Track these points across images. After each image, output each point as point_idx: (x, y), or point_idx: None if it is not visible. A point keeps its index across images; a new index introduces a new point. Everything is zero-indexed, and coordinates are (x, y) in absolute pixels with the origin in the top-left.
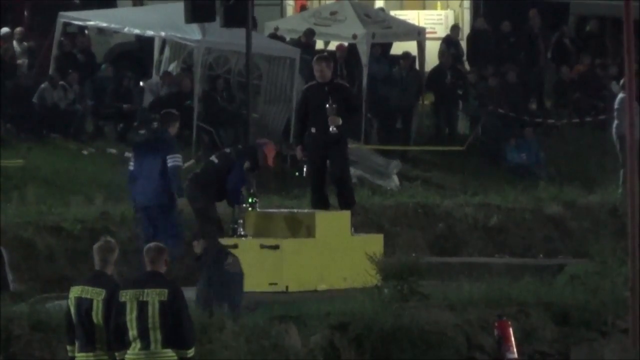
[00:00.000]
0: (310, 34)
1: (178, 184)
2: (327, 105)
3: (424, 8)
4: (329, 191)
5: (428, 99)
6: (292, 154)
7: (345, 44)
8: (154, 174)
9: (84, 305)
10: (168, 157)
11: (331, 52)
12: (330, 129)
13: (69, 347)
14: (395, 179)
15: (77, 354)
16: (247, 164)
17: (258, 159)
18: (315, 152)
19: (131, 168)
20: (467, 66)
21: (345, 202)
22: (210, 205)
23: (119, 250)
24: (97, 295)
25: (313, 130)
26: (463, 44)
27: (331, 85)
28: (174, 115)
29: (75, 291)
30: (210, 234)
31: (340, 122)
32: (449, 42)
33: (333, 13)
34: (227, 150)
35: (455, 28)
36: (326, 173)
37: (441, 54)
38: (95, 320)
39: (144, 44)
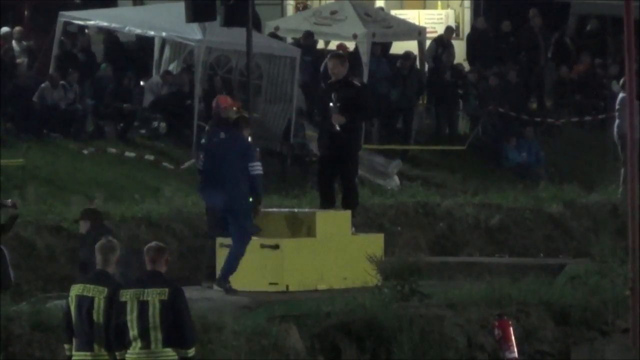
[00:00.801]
0: (308, 36)
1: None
2: (331, 104)
3: (424, 7)
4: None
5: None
6: (294, 154)
7: (348, 44)
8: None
9: (85, 304)
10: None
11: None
12: (336, 126)
13: (66, 346)
14: (396, 178)
15: (74, 353)
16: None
17: (233, 120)
18: (325, 150)
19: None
20: (466, 66)
21: (348, 204)
22: None
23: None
24: (99, 294)
25: (325, 127)
26: (462, 44)
27: (341, 83)
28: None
29: (76, 289)
30: (96, 213)
31: (344, 120)
32: (439, 43)
33: (333, 12)
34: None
35: (448, 29)
36: (335, 172)
37: (430, 54)
38: (95, 318)
39: (144, 43)
